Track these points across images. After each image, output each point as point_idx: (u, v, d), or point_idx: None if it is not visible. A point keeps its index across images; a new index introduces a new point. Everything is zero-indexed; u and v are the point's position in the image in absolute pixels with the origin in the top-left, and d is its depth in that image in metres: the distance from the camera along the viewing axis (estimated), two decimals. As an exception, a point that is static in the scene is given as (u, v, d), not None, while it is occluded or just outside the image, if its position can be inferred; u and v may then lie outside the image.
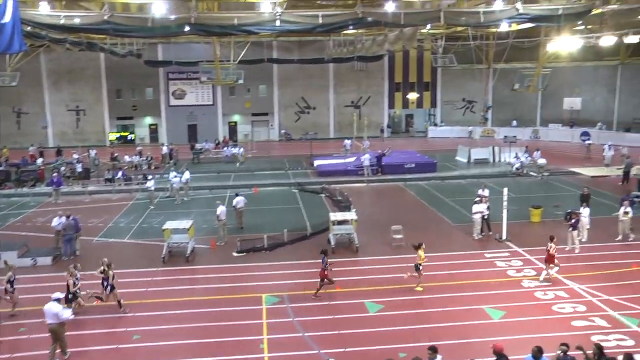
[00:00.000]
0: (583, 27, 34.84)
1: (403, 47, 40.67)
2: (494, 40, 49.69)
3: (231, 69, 49.86)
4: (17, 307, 16.10)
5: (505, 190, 22.71)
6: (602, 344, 11.57)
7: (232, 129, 57.63)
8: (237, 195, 25.52)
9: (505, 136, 43.43)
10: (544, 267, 18.16)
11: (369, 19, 21.63)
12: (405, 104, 59.85)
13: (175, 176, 31.39)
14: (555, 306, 16.15)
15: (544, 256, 18.13)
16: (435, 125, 58.88)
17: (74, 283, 15.62)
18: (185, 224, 21.82)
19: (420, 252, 17.63)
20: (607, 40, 29.41)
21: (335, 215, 23.16)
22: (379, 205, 29.57)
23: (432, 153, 43.83)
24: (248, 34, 28.00)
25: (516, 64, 54.62)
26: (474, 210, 23.05)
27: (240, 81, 51.04)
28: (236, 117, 57.81)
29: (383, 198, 31.25)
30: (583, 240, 21.62)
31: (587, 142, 45.97)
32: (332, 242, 21.60)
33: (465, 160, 41.34)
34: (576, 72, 55.09)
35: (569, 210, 22.70)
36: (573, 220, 21.15)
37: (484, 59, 56.10)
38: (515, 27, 38.46)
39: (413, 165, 37.27)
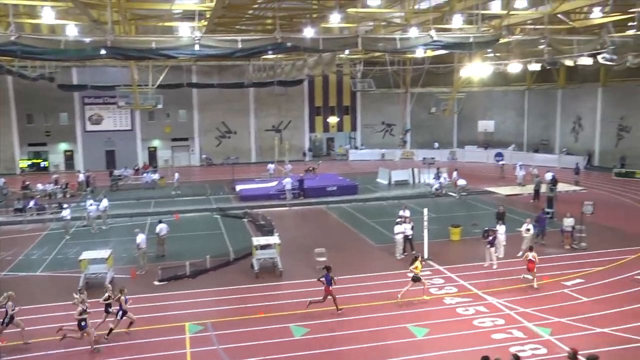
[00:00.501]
0: (493, 54, 36.60)
1: (322, 72, 41.31)
2: (411, 65, 51.35)
3: (150, 93, 48.82)
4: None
5: (426, 210, 23.31)
6: (519, 354, 12.14)
7: (152, 154, 56.29)
8: (160, 222, 24.85)
9: (424, 158, 44.73)
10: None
11: (288, 44, 21.76)
12: (326, 127, 60.67)
13: (92, 204, 30.22)
14: (476, 321, 16.65)
15: (468, 273, 18.76)
16: (356, 148, 59.89)
17: (84, 310, 15.30)
18: (104, 253, 21.03)
19: (418, 264, 18.32)
20: (514, 67, 31.08)
21: (258, 240, 22.97)
22: (302, 228, 29.59)
23: (354, 176, 44.48)
24: (167, 58, 27.64)
25: (432, 88, 56.72)
26: (395, 231, 23.50)
27: (160, 106, 50.07)
28: (156, 143, 56.56)
29: (306, 221, 31.33)
30: (500, 256, 22.49)
31: (500, 162, 48.20)
32: (256, 267, 21.39)
33: (386, 182, 42.17)
34: (488, 97, 57.88)
35: (486, 228, 23.55)
36: (490, 238, 21.98)
37: (402, 84, 57.89)
38: (430, 53, 39.97)
39: (335, 188, 37.62)
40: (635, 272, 20.87)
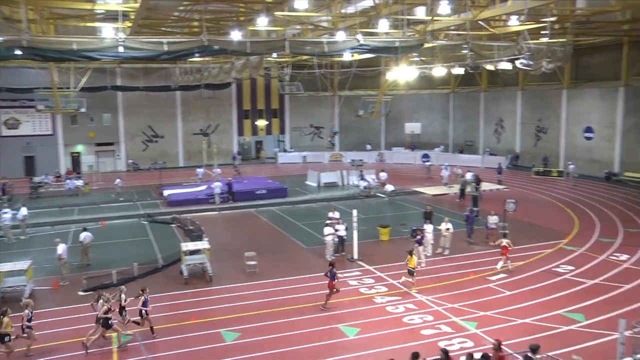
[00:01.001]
0: (418, 58, 37.56)
1: (250, 75, 41.08)
2: (339, 68, 51.97)
3: (72, 96, 47.07)
4: (34, 345, 15.28)
5: (355, 211, 23.62)
6: (447, 348, 12.50)
7: (75, 160, 54.20)
8: (84, 230, 23.96)
9: (353, 160, 45.29)
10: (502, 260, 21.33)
11: (215, 47, 21.53)
12: (255, 131, 60.39)
13: (5, 212, 28.71)
14: (406, 318, 17.02)
15: (397, 272, 19.20)
16: (285, 151, 59.95)
17: (109, 309, 15.44)
18: (22, 264, 20.09)
19: (412, 257, 19.45)
20: (439, 71, 31.99)
21: (187, 246, 22.58)
22: (232, 232, 29.34)
23: (283, 179, 44.48)
24: (89, 60, 26.67)
25: (360, 91, 57.69)
26: (325, 233, 23.70)
27: (83, 109, 48.36)
28: (79, 148, 54.46)
29: (236, 225, 31.05)
30: (428, 254, 23.10)
31: (427, 163, 49.53)
32: (185, 273, 21.01)
33: (315, 184, 42.41)
34: (415, 99, 59.41)
35: (414, 228, 24.10)
36: (419, 237, 22.53)
37: (330, 87, 58.43)
38: (357, 56, 40.50)
39: (264, 191, 37.50)
40: (554, 265, 21.97)
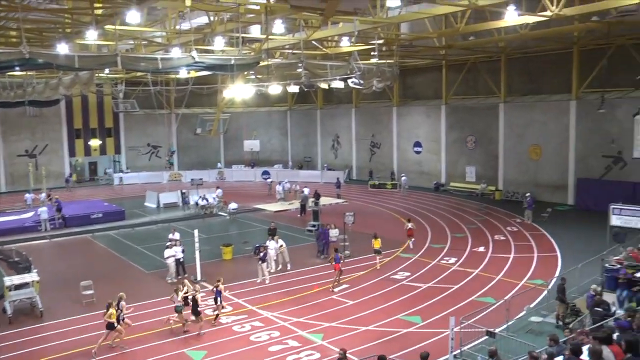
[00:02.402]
0: (254, 76, 37.88)
1: (81, 92, 38.64)
2: (175, 86, 50.76)
3: None
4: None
5: (196, 231, 23.06)
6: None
7: None
8: None
9: (192, 179, 44.36)
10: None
11: (39, 60, 19.93)
12: (88, 151, 56.73)
13: None
14: (253, 336, 16.87)
15: (242, 290, 18.95)
16: (121, 171, 57.05)
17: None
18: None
19: (376, 240, 24.07)
20: (275, 88, 32.45)
21: (12, 280, 20.40)
22: (65, 261, 27.10)
23: (120, 201, 42.37)
24: None
25: (197, 109, 56.83)
26: (165, 255, 22.86)
27: None
28: None
29: (69, 253, 28.79)
30: (272, 271, 23.16)
31: (268, 180, 49.92)
32: (9, 311, 18.90)
33: (154, 205, 40.89)
34: (253, 117, 59.79)
35: (257, 245, 24.08)
36: (261, 254, 22.51)
37: (166, 104, 56.78)
38: (194, 74, 39.91)
39: (100, 215, 35.30)
40: (392, 272, 23.14)
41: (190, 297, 17.56)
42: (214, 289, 18.45)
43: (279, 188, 41.77)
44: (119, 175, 55.60)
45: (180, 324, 17.52)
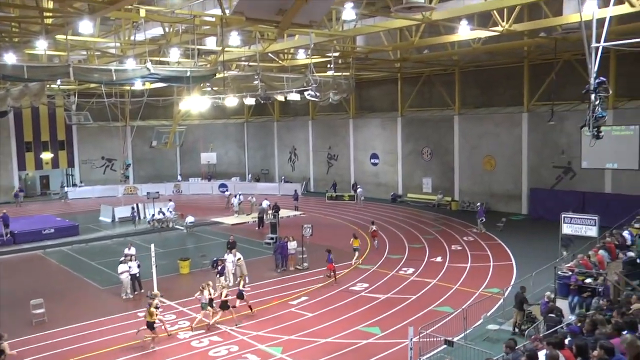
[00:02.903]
0: (210, 88, 37.65)
1: (31, 104, 37.65)
2: (130, 97, 49.90)
3: None
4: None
5: (153, 246, 22.62)
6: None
7: None
8: None
9: (148, 192, 43.65)
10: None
11: (-15, 71, 19.41)
12: (39, 164, 55.11)
13: None
14: (212, 351, 16.63)
15: (198, 305, 18.82)
16: (75, 185, 55.63)
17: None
18: None
19: (355, 240, 26.49)
20: (231, 101, 32.31)
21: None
22: (13, 279, 25.98)
23: (74, 215, 41.33)
24: None
25: (153, 121, 56.03)
26: (119, 270, 22.37)
27: None
28: None
29: (18, 271, 27.71)
30: (230, 284, 22.86)
31: (225, 193, 49.49)
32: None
33: (109, 219, 40.03)
34: (209, 129, 59.26)
35: (215, 258, 23.80)
36: (219, 267, 22.25)
37: (121, 116, 55.73)
38: (149, 85, 39.41)
39: (52, 230, 34.30)
40: (351, 283, 23.19)
41: (219, 293, 19.02)
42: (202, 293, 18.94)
43: (234, 201, 41.52)
44: (72, 189, 54.16)
45: (205, 323, 18.64)
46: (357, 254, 26.72)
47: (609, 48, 18.68)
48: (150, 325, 17.01)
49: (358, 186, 46.85)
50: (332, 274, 23.54)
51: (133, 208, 39.49)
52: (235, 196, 41.99)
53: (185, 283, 24.04)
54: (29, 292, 22.47)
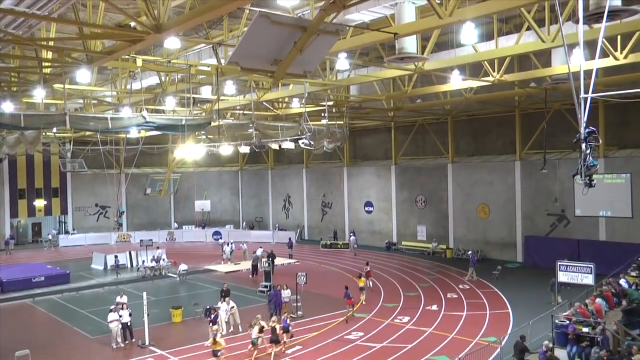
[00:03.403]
0: (205, 136, 37.98)
1: (26, 151, 37.77)
2: (125, 145, 50.07)
3: None
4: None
5: (145, 294, 22.38)
6: None
7: None
8: None
9: (141, 240, 43.36)
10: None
11: (-18, 119, 19.55)
12: (32, 211, 54.83)
13: None
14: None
15: (192, 354, 18.33)
16: (67, 233, 55.21)
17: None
18: None
19: (360, 280, 28.10)
20: (226, 149, 32.53)
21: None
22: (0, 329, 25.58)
23: (65, 263, 40.89)
24: None
25: (147, 168, 56.15)
26: (109, 319, 22.00)
27: None
28: None
29: (6, 320, 27.04)
30: (223, 332, 22.51)
31: (219, 241, 49.19)
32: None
33: (101, 267, 39.62)
34: (204, 177, 59.36)
35: (208, 307, 23.49)
36: (212, 316, 21.95)
37: (115, 164, 55.86)
38: (144, 133, 39.69)
39: (42, 278, 33.80)
40: (345, 332, 22.84)
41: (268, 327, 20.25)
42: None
43: (226, 248, 41.19)
44: (64, 236, 53.76)
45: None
46: (364, 292, 27.65)
47: (597, 99, 19.08)
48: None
49: (351, 234, 46.73)
50: (351, 308, 25.21)
51: (116, 256, 38.67)
52: (228, 244, 41.77)
53: (178, 331, 23.65)
54: (15, 342, 21.96)
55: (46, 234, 55.10)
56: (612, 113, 33.15)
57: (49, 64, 21.74)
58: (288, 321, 21.32)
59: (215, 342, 19.30)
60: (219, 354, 19.20)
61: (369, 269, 30.64)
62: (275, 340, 20.03)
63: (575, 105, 11.17)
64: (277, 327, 20.34)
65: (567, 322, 17.49)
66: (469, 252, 34.81)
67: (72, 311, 28.22)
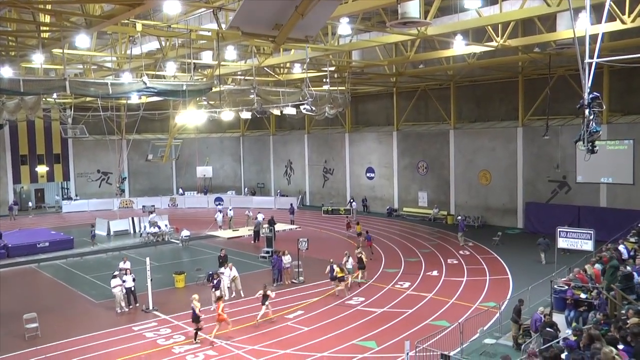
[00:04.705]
0: (206, 102, 37.80)
1: (27, 117, 37.67)
2: (126, 111, 49.86)
3: None
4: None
5: (148, 259, 22.58)
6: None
7: None
8: None
9: (144, 206, 43.56)
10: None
11: (-19, 84, 19.42)
12: (34, 177, 55.01)
13: None
14: (206, 367, 16.50)
15: (190, 319, 18.62)
16: (70, 199, 55.45)
17: None
18: None
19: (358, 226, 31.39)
20: (227, 115, 32.37)
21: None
22: (7, 293, 25.74)
23: (69, 229, 41.17)
24: None
25: (149, 135, 56.06)
26: (112, 285, 22.24)
27: None
28: None
29: (12, 285, 27.47)
30: (225, 298, 22.75)
31: (220, 207, 49.36)
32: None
33: (104, 233, 39.90)
34: (205, 143, 59.28)
35: (210, 272, 23.70)
36: (215, 281, 22.16)
37: (117, 130, 55.70)
38: (145, 99, 39.49)
39: (47, 244, 34.13)
40: (346, 298, 23.09)
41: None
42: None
43: (218, 215, 41.28)
44: (67, 202, 54.01)
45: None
46: (361, 238, 30.68)
47: (602, 64, 18.88)
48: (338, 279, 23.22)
49: (352, 200, 46.85)
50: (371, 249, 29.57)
51: (92, 226, 38.12)
52: (220, 211, 41.74)
53: (181, 297, 23.88)
54: (22, 306, 22.32)
55: (51, 199, 55.37)
56: (617, 79, 32.86)
57: (47, 28, 21.51)
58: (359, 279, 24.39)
59: (219, 298, 19.65)
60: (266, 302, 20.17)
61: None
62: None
63: (579, 71, 11.07)
64: (363, 257, 25.13)
65: (566, 287, 17.63)
66: (459, 218, 35.01)
67: (76, 276, 28.53)
